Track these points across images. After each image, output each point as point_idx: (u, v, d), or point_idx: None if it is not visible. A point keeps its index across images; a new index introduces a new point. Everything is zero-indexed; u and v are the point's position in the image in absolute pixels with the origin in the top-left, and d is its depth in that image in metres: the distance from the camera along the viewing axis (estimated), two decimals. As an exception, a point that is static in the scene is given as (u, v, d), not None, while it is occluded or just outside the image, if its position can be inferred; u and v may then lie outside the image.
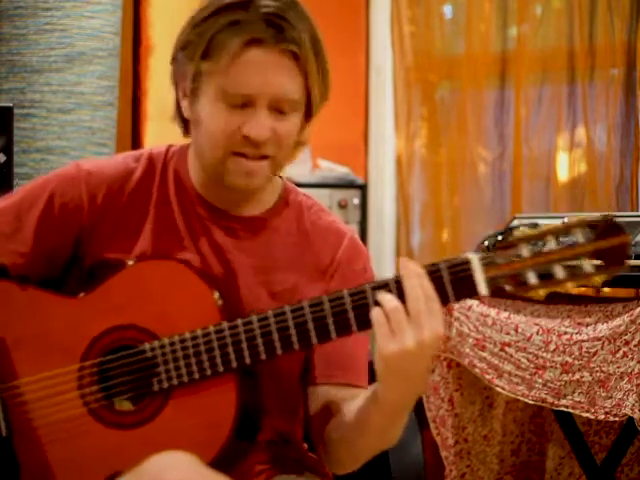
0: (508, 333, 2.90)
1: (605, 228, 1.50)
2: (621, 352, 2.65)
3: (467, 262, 1.55)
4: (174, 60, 1.76)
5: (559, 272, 1.52)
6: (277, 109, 1.70)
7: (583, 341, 2.73)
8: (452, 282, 1.55)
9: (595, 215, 1.53)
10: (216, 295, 1.67)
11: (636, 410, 2.61)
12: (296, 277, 1.79)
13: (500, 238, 2.72)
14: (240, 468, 1.70)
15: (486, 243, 3.15)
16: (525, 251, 1.53)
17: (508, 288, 1.54)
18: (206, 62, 1.68)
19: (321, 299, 1.60)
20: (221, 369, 1.63)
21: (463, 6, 4.27)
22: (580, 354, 2.73)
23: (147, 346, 1.66)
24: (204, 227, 1.79)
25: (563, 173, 4.04)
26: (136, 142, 4.22)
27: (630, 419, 2.67)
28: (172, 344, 1.64)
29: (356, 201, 4.10)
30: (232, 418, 1.63)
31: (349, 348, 1.75)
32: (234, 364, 1.63)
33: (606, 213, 1.54)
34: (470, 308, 3.00)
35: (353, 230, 1.88)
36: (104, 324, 1.68)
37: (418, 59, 4.33)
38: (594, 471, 3.03)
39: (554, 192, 4.03)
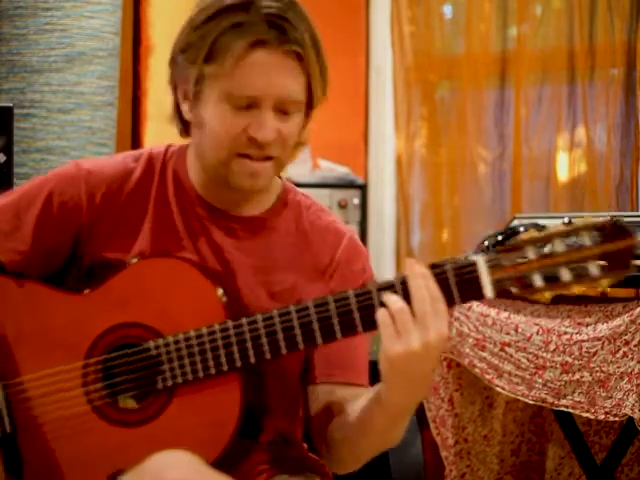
0: (508, 333, 2.90)
1: (612, 231, 1.50)
2: (621, 352, 2.65)
3: (473, 264, 1.54)
4: (173, 63, 1.75)
5: (565, 275, 1.51)
6: (281, 110, 1.70)
7: (583, 341, 2.73)
8: (458, 284, 1.55)
9: (602, 218, 1.52)
10: (220, 292, 1.67)
11: (636, 410, 2.61)
12: (295, 277, 1.79)
13: (501, 238, 2.72)
14: (241, 468, 1.70)
15: (486, 243, 3.16)
16: (531, 253, 1.53)
17: (514, 290, 1.53)
18: (209, 65, 1.68)
19: (326, 299, 1.60)
20: (225, 368, 1.63)
21: (463, 6, 4.27)
22: (580, 354, 2.73)
23: (152, 344, 1.66)
24: (203, 227, 1.79)
25: (563, 173, 4.04)
26: (136, 142, 4.22)
27: (630, 419, 2.67)
28: (177, 342, 1.65)
29: (356, 201, 4.10)
30: (236, 417, 1.63)
31: (349, 347, 1.75)
32: (238, 363, 1.63)
33: (614, 213, 1.54)
34: (470, 308, 3.00)
35: (352, 230, 1.88)
36: (108, 321, 1.69)
37: (418, 59, 4.33)
38: (594, 471, 3.03)
39: (554, 192, 4.03)
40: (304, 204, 1.85)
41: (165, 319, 1.67)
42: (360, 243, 1.87)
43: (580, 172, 3.98)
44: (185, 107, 1.75)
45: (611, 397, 2.67)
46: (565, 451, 3.26)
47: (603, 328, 2.70)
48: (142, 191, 1.80)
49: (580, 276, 1.51)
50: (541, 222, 3.00)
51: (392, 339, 1.53)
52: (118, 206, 1.78)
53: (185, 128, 1.80)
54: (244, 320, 1.63)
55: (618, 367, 2.65)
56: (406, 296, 1.54)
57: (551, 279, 1.52)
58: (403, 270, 4.45)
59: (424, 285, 1.54)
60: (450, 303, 1.55)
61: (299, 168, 3.96)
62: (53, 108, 3.34)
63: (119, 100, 3.57)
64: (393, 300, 1.54)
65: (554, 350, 2.79)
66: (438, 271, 1.55)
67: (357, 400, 1.71)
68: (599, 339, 2.70)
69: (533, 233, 1.53)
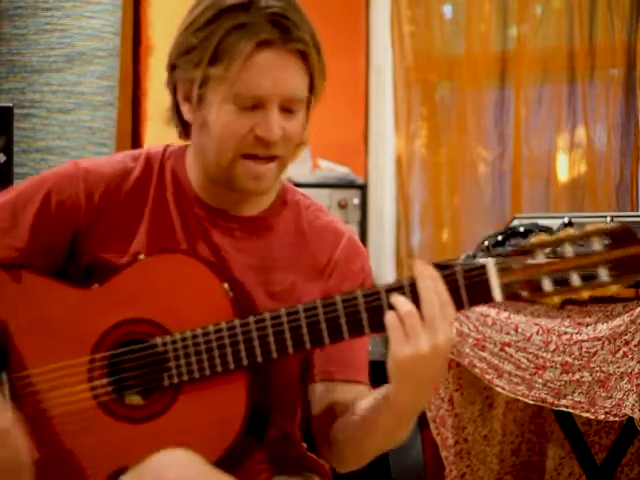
0: (508, 333, 2.90)
1: (622, 236, 1.50)
2: (621, 352, 2.65)
3: (483, 267, 1.54)
4: (173, 65, 1.75)
5: (575, 279, 1.51)
6: (287, 109, 1.70)
7: (583, 341, 2.73)
8: (467, 287, 1.55)
9: (612, 223, 1.52)
10: (226, 287, 1.67)
11: (636, 410, 2.61)
12: (294, 277, 1.79)
13: (501, 239, 2.72)
14: (243, 467, 1.71)
15: (486, 243, 3.16)
16: (541, 257, 1.52)
17: (523, 294, 1.53)
18: (215, 67, 1.67)
19: (334, 299, 1.60)
20: (232, 366, 1.63)
21: (463, 6, 4.27)
22: (580, 354, 2.73)
23: (158, 340, 1.66)
24: (202, 227, 1.79)
25: (563, 173, 4.04)
26: (136, 142, 4.22)
27: (630, 419, 2.67)
28: (184, 339, 1.65)
29: (356, 201, 4.10)
30: (242, 416, 1.63)
31: (349, 345, 1.75)
32: (245, 362, 1.63)
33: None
34: (470, 308, 3.00)
35: (351, 230, 1.88)
36: (115, 317, 1.69)
37: (418, 59, 4.33)
38: (594, 471, 3.03)
39: (554, 192, 4.03)
40: (303, 204, 1.85)
41: (172, 315, 1.67)
42: (359, 242, 1.87)
43: (580, 172, 3.98)
44: (186, 109, 1.75)
45: (611, 397, 2.67)
46: (565, 451, 3.26)
47: (603, 328, 2.70)
48: (140, 191, 1.80)
49: (590, 281, 1.50)
50: (541, 222, 3.00)
51: (401, 342, 1.53)
52: (117, 205, 1.78)
53: (184, 130, 1.80)
54: (251, 319, 1.63)
55: (618, 367, 2.65)
56: (415, 298, 1.54)
57: (560, 283, 1.52)
58: (403, 270, 4.44)
59: (433, 288, 1.54)
60: (459, 306, 1.55)
61: (299, 168, 3.96)
62: (53, 108, 3.34)
63: (119, 100, 3.58)
64: (402, 302, 1.54)
65: (554, 350, 2.79)
66: (447, 273, 1.55)
67: (362, 400, 1.71)
68: (599, 339, 2.70)
69: (543, 237, 1.52)
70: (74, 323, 1.70)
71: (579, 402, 2.75)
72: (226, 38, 1.67)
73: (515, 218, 3.17)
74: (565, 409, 2.81)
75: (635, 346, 2.63)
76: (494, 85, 4.17)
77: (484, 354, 2.96)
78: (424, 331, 1.52)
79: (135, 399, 1.68)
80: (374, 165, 4.45)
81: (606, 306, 2.74)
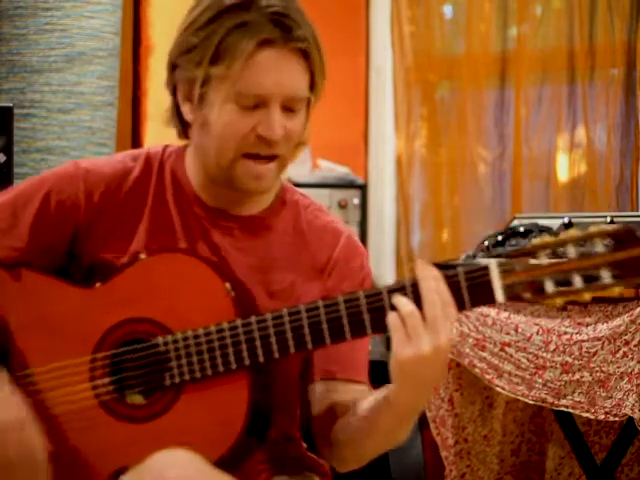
0: (508, 333, 2.90)
1: (625, 238, 1.49)
2: (621, 352, 2.65)
3: (485, 268, 1.54)
4: (173, 65, 1.75)
5: (577, 281, 1.51)
6: (288, 108, 1.71)
7: (583, 341, 2.73)
8: (469, 288, 1.55)
9: (615, 225, 1.52)
10: (228, 286, 1.67)
11: (636, 410, 2.61)
12: (293, 276, 1.79)
13: (501, 239, 2.71)
14: (243, 467, 1.70)
15: (486, 243, 3.16)
16: (543, 259, 1.52)
17: (526, 296, 1.53)
18: (216, 67, 1.67)
19: (336, 299, 1.60)
20: (234, 366, 1.63)
21: (463, 6, 4.27)
22: (580, 354, 2.73)
23: (160, 340, 1.66)
24: (201, 227, 1.79)
25: (563, 173, 4.04)
26: (136, 142, 4.23)
27: (630, 419, 2.67)
28: (185, 339, 1.65)
29: (356, 201, 4.10)
30: (244, 416, 1.63)
31: (349, 345, 1.75)
32: (247, 362, 1.63)
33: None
34: (470, 308, 3.00)
35: (350, 229, 1.88)
36: (117, 316, 1.69)
37: (418, 59, 4.33)
38: (594, 471, 3.03)
39: (554, 192, 4.03)
40: (302, 203, 1.85)
41: (174, 315, 1.67)
42: (358, 242, 1.87)
43: (580, 172, 3.98)
44: (186, 108, 1.75)
45: (611, 397, 2.67)
46: (565, 451, 3.26)
47: (603, 328, 2.70)
48: (140, 190, 1.80)
49: (592, 283, 1.50)
50: (541, 222, 3.00)
51: (402, 343, 1.53)
52: (116, 205, 1.78)
53: (184, 129, 1.80)
54: (253, 318, 1.63)
55: (618, 367, 2.65)
56: (417, 299, 1.54)
57: (563, 285, 1.52)
58: (403, 270, 4.44)
59: (435, 288, 1.54)
60: (460, 307, 1.55)
61: (299, 168, 3.96)
62: (53, 108, 3.34)
63: (119, 100, 3.58)
64: (404, 303, 1.54)
65: (554, 350, 2.79)
66: (449, 274, 1.55)
67: (362, 400, 1.71)
68: (599, 339, 2.70)
69: (545, 238, 1.52)
70: (76, 322, 1.70)
71: (579, 402, 2.75)
72: (227, 37, 1.67)
73: (515, 218, 3.17)
74: (565, 409, 2.81)
75: (635, 346, 2.63)
76: (494, 85, 4.17)
77: (484, 354, 2.96)
78: (426, 332, 1.53)
79: (137, 398, 1.68)
80: (374, 165, 4.45)
81: (606, 306, 2.74)
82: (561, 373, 2.77)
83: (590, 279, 1.50)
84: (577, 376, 2.74)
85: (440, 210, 4.27)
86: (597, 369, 2.69)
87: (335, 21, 4.25)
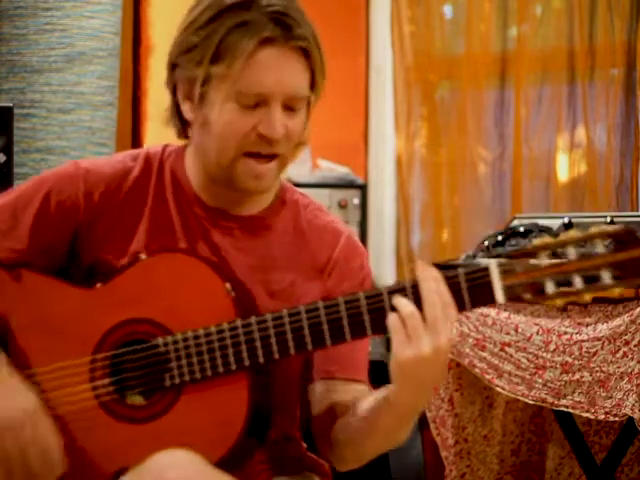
0: (508, 333, 2.90)
1: (625, 239, 1.49)
2: (621, 352, 2.65)
3: (485, 269, 1.54)
4: (173, 65, 1.75)
5: (577, 282, 1.51)
6: (289, 107, 1.71)
7: (583, 341, 2.73)
8: (469, 289, 1.55)
9: (616, 225, 1.52)
10: (228, 286, 1.67)
11: (636, 410, 2.61)
12: (293, 276, 1.79)
13: (501, 239, 2.71)
14: (243, 467, 1.70)
15: (486, 243, 3.15)
16: (544, 259, 1.52)
17: (526, 297, 1.53)
18: (217, 66, 1.68)
19: (337, 300, 1.60)
20: (234, 367, 1.63)
21: (463, 6, 4.27)
22: (580, 354, 2.73)
23: (160, 341, 1.66)
24: (201, 227, 1.79)
25: (563, 173, 4.04)
26: (136, 142, 4.22)
27: (630, 419, 2.67)
28: (185, 340, 1.65)
29: (356, 201, 4.10)
30: (244, 416, 1.63)
31: (349, 344, 1.75)
32: (247, 362, 1.63)
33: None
34: (470, 308, 3.00)
35: (350, 229, 1.88)
36: (117, 317, 1.69)
37: (418, 59, 4.33)
38: (594, 471, 3.03)
39: (554, 192, 4.03)
40: (302, 203, 1.85)
41: (174, 315, 1.67)
42: (358, 241, 1.87)
43: (580, 172, 3.98)
44: (186, 108, 1.75)
45: (611, 397, 2.67)
46: (565, 451, 3.26)
47: (603, 328, 2.70)
48: (140, 190, 1.80)
49: (592, 284, 1.50)
50: (541, 222, 3.00)
51: (403, 344, 1.53)
52: (116, 205, 1.78)
53: (184, 129, 1.80)
54: (253, 319, 1.63)
55: (618, 367, 2.65)
56: (417, 300, 1.54)
57: (563, 286, 1.51)
58: (403, 270, 4.43)
59: (435, 289, 1.54)
60: (461, 308, 1.55)
61: (299, 168, 3.96)
62: (53, 108, 3.34)
63: (119, 100, 3.58)
64: (404, 304, 1.54)
65: (554, 350, 2.79)
66: (449, 275, 1.55)
67: (362, 400, 1.71)
68: (599, 339, 2.70)
69: (546, 239, 1.52)
70: (76, 323, 1.70)
71: (579, 402, 2.75)
72: (228, 36, 1.67)
73: (515, 218, 3.17)
74: (565, 409, 2.81)
75: (635, 346, 2.63)
76: (494, 85, 4.17)
77: (484, 354, 2.96)
78: (426, 333, 1.53)
79: (137, 399, 1.68)
80: (374, 165, 4.45)
81: (606, 306, 2.73)
82: (561, 373, 2.77)
83: (590, 280, 1.50)
84: (577, 376, 2.74)
85: (440, 210, 4.27)
86: (597, 369, 2.69)
87: (335, 21, 4.25)
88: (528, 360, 2.85)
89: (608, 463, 3.01)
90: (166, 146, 1.85)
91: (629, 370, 2.63)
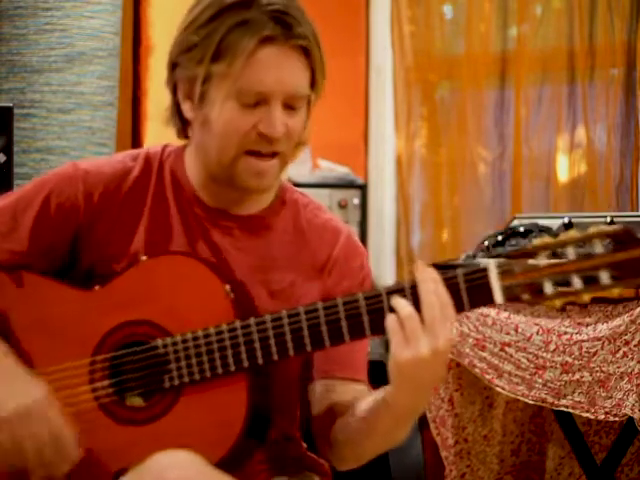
0: (508, 333, 2.90)
1: (624, 239, 1.49)
2: (621, 352, 2.65)
3: (484, 270, 1.54)
4: (174, 64, 1.75)
5: (576, 282, 1.50)
6: (289, 105, 1.71)
7: (583, 341, 2.73)
8: (468, 289, 1.55)
9: (615, 225, 1.51)
10: (227, 288, 1.67)
11: (636, 410, 2.61)
12: (293, 275, 1.79)
13: (501, 239, 2.70)
14: (244, 467, 1.71)
15: (486, 243, 3.15)
16: (543, 260, 1.52)
17: (524, 297, 1.53)
18: (217, 64, 1.68)
19: (335, 301, 1.60)
20: (233, 368, 1.63)
21: (463, 6, 4.27)
22: (580, 354, 2.73)
23: (159, 342, 1.66)
24: (201, 227, 1.79)
25: (563, 173, 4.04)
26: (136, 142, 4.22)
27: (630, 419, 2.67)
28: (184, 341, 1.65)
29: (356, 201, 4.10)
30: (243, 417, 1.63)
31: (347, 345, 1.75)
32: (246, 364, 1.63)
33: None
34: (470, 308, 3.00)
35: (350, 228, 1.88)
36: (116, 319, 1.69)
37: (418, 59, 4.33)
38: (594, 471, 3.03)
39: (554, 192, 4.03)
40: (301, 202, 1.85)
41: (173, 317, 1.67)
42: (357, 240, 1.87)
43: (580, 172, 3.98)
44: (187, 107, 1.75)
45: (611, 397, 2.67)
46: (565, 451, 3.26)
47: (603, 328, 2.70)
48: (140, 190, 1.80)
49: (591, 284, 1.50)
50: (541, 222, 3.00)
51: (401, 345, 1.53)
52: (116, 205, 1.78)
53: (184, 129, 1.80)
54: (252, 320, 1.63)
55: (618, 367, 2.65)
56: (415, 300, 1.54)
57: (562, 286, 1.51)
58: (403, 270, 4.42)
59: (433, 290, 1.54)
60: (459, 308, 1.55)
61: (299, 168, 3.96)
62: (53, 108, 3.34)
63: (119, 100, 3.58)
64: (402, 305, 1.54)
65: (554, 350, 2.79)
66: (448, 275, 1.55)
67: (362, 400, 1.71)
68: (599, 339, 2.70)
69: (545, 239, 1.52)
70: (75, 325, 1.70)
71: (579, 402, 2.75)
72: (228, 35, 1.67)
73: (515, 218, 3.17)
74: (565, 409, 2.81)
75: (635, 346, 2.63)
76: (494, 85, 4.17)
77: (484, 354, 2.96)
78: (424, 334, 1.52)
79: (136, 401, 1.68)
80: (374, 165, 4.45)
81: (606, 306, 2.73)
82: (561, 373, 2.77)
83: (589, 280, 1.50)
84: (577, 376, 2.74)
85: (440, 210, 4.27)
86: (597, 369, 2.69)
87: (335, 21, 4.24)
88: (528, 360, 2.85)
89: (608, 463, 3.01)
90: (166, 146, 1.85)
91: (629, 370, 2.63)
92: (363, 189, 4.15)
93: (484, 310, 2.96)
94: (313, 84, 1.73)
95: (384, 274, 4.30)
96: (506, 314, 2.92)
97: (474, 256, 2.99)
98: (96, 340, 1.69)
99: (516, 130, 4.09)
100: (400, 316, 1.53)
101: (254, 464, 1.75)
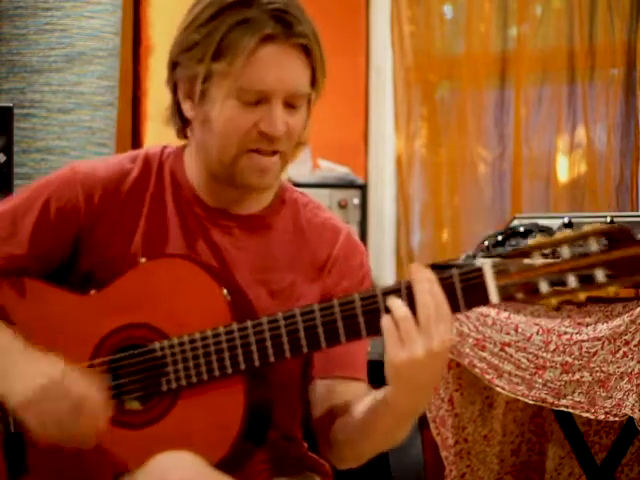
0: (508, 333, 2.90)
1: (619, 237, 1.49)
2: (621, 352, 2.65)
3: (479, 269, 1.54)
4: (174, 63, 1.75)
5: (572, 281, 1.50)
6: (290, 104, 1.71)
7: (583, 341, 2.73)
8: (463, 289, 1.54)
9: (609, 224, 1.51)
10: (225, 292, 1.67)
11: (636, 410, 2.61)
12: (293, 275, 1.79)
13: (501, 239, 2.71)
14: (244, 468, 1.70)
15: (486, 243, 3.15)
16: (538, 259, 1.52)
17: (519, 296, 1.52)
18: (218, 63, 1.68)
19: (332, 302, 1.60)
20: (230, 371, 1.63)
21: (463, 6, 4.27)
22: (580, 354, 2.73)
23: (157, 345, 1.66)
24: (201, 227, 1.78)
25: (563, 173, 4.04)
26: (136, 142, 4.22)
27: (630, 419, 2.67)
28: (181, 344, 1.64)
29: (356, 201, 4.10)
30: (240, 419, 1.63)
31: (347, 344, 1.75)
32: (243, 366, 1.63)
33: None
34: (470, 308, 3.00)
35: (349, 227, 1.88)
36: (114, 322, 1.69)
37: (418, 59, 4.33)
38: (594, 471, 3.03)
39: (554, 192, 4.03)
40: (301, 202, 1.85)
41: (171, 320, 1.66)
42: (357, 239, 1.87)
43: (580, 172, 3.98)
44: (187, 106, 1.75)
45: (611, 397, 2.67)
46: (565, 451, 3.26)
47: (603, 328, 2.70)
48: (139, 191, 1.79)
49: (586, 283, 1.50)
50: (541, 222, 3.00)
51: (396, 347, 1.53)
52: (117, 206, 1.78)
53: (184, 128, 1.80)
54: (249, 323, 1.62)
55: (618, 367, 2.65)
56: (411, 301, 1.54)
57: (557, 285, 1.51)
58: (403, 270, 4.43)
59: (428, 289, 1.53)
60: (455, 309, 1.54)
61: (299, 168, 3.96)
62: (53, 108, 3.34)
63: (119, 100, 3.58)
64: (397, 306, 1.54)
65: (554, 350, 2.79)
66: (443, 276, 1.55)
67: (361, 399, 1.71)
68: (599, 339, 2.70)
69: (540, 239, 1.52)
70: (73, 328, 1.70)
71: (579, 402, 2.75)
72: (229, 34, 1.67)
73: (515, 218, 3.17)
74: (565, 409, 2.81)
75: (635, 346, 2.63)
76: (494, 85, 4.17)
77: (484, 354, 2.96)
78: (419, 336, 1.52)
79: (134, 404, 1.68)
80: (374, 165, 4.45)
81: (606, 306, 2.74)
82: (561, 373, 2.77)
83: (585, 279, 1.50)
84: (577, 376, 2.74)
85: (440, 210, 4.27)
86: (597, 369, 2.69)
87: (335, 21, 4.24)
88: (528, 360, 2.85)
89: (608, 463, 3.01)
90: (165, 147, 1.85)
91: (629, 370, 2.63)
92: (363, 189, 4.15)
93: (484, 310, 2.97)
94: (313, 83, 1.73)
95: (384, 274, 4.30)
96: (506, 314, 2.92)
97: (474, 256, 2.99)
98: (94, 343, 1.69)
99: (516, 130, 4.09)
100: (395, 317, 1.53)
101: (255, 464, 1.75)
